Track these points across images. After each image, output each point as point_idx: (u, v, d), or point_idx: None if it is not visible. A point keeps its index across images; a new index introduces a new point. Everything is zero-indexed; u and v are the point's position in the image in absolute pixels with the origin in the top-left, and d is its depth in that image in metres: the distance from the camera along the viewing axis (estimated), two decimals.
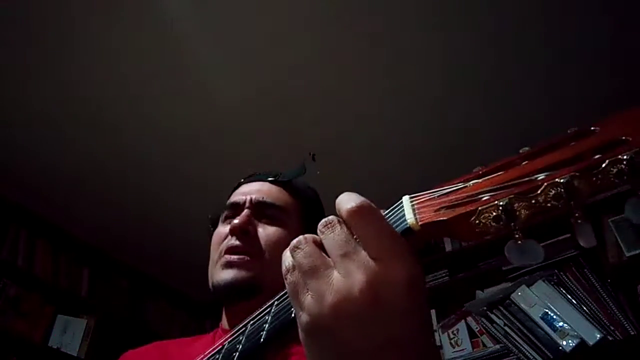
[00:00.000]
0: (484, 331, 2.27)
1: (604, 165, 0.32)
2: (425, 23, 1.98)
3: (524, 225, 0.34)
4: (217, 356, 0.51)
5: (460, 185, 0.39)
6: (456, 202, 0.37)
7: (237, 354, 0.47)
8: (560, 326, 2.04)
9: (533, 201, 0.33)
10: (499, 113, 2.31)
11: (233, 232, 0.82)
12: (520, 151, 0.39)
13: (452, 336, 2.36)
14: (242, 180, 0.96)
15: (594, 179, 0.32)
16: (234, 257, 0.80)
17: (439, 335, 2.39)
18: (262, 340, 0.45)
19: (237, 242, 0.81)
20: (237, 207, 0.87)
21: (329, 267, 0.36)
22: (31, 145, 2.41)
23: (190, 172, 2.50)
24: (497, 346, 2.19)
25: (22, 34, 1.96)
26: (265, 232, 0.83)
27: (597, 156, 0.33)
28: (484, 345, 2.26)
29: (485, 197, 0.36)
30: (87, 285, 2.83)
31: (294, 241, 0.39)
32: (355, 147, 2.47)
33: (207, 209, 0.96)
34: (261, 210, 0.86)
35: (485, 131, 2.36)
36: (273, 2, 1.91)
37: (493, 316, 2.22)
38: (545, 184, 0.33)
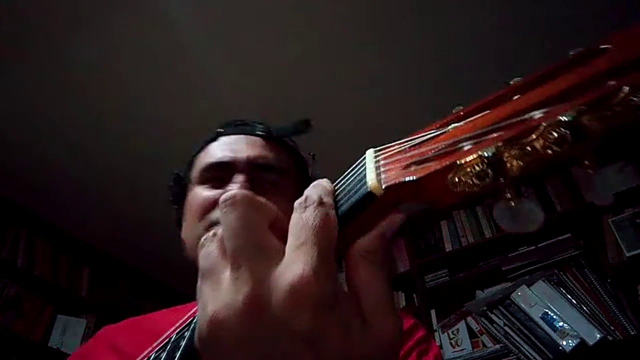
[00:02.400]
0: (484, 331, 2.27)
1: (622, 93, 0.24)
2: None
3: (516, 180, 0.27)
4: (162, 354, 0.43)
5: (436, 133, 0.32)
6: (429, 155, 0.29)
7: (180, 352, 0.39)
8: (560, 326, 2.04)
9: (528, 148, 0.26)
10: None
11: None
12: (512, 82, 0.31)
13: (452, 336, 2.36)
14: (221, 130, 0.77)
15: (609, 112, 0.24)
16: None
17: (439, 335, 2.39)
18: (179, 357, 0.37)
19: None
20: (226, 168, 0.69)
21: (225, 269, 0.28)
22: (31, 146, 2.41)
23: None
24: (497, 346, 2.19)
25: (22, 33, 1.96)
26: None
27: (612, 82, 0.25)
28: (484, 345, 2.26)
29: (466, 147, 0.28)
30: (87, 285, 2.84)
31: (202, 237, 0.31)
32: (355, 144, 2.47)
33: None
34: (257, 173, 0.69)
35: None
36: (273, 3, 1.92)
37: (493, 316, 2.22)
38: (544, 124, 0.25)
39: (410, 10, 1.95)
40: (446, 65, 2.13)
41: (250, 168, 0.69)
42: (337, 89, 2.24)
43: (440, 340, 2.37)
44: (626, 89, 0.24)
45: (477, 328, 2.32)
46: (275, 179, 0.70)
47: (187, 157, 0.89)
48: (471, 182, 0.27)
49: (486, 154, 0.26)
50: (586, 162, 0.25)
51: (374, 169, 0.31)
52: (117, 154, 2.44)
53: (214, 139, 0.76)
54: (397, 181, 0.29)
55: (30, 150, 2.44)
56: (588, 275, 2.13)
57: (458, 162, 0.27)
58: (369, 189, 0.30)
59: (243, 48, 2.06)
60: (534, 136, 0.25)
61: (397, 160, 0.31)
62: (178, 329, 0.43)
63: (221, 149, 0.73)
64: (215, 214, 0.67)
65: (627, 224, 2.11)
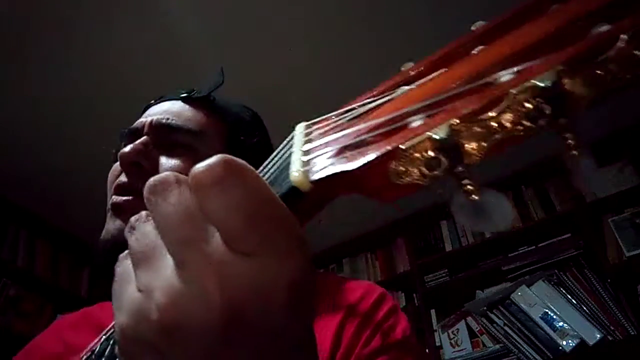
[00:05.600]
0: (484, 331, 2.27)
1: (620, 44, 0.17)
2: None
3: (474, 166, 0.20)
4: (98, 348, 0.38)
5: (379, 102, 0.24)
6: (368, 136, 0.22)
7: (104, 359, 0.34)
8: (560, 326, 2.04)
9: (493, 124, 0.19)
10: None
11: (122, 165, 0.61)
12: (472, 28, 0.24)
13: (452, 336, 2.36)
14: (152, 101, 0.72)
15: (601, 72, 0.17)
16: (121, 199, 0.59)
17: (439, 335, 2.39)
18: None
19: (125, 180, 0.60)
20: (136, 134, 0.65)
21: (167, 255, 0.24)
22: (31, 145, 2.41)
23: None
24: (497, 346, 2.19)
25: (22, 33, 1.96)
26: (168, 164, 0.61)
27: (603, 28, 0.18)
28: (484, 345, 2.26)
29: (416, 122, 0.21)
30: (87, 285, 2.84)
31: (132, 219, 0.26)
32: None
33: None
34: (166, 136, 0.64)
35: None
36: (273, 2, 1.92)
37: (493, 316, 2.22)
38: (513, 91, 0.18)
39: (411, 9, 1.95)
40: None
41: (155, 130, 0.64)
42: (337, 90, 2.24)
43: (440, 340, 2.37)
44: (624, 37, 0.17)
45: (477, 328, 2.32)
46: (187, 140, 0.63)
47: None
48: (419, 173, 0.20)
49: (437, 136, 0.20)
50: (569, 140, 0.18)
51: (301, 154, 0.24)
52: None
53: (143, 112, 0.71)
54: (328, 173, 0.22)
55: (31, 150, 2.44)
56: (588, 275, 2.13)
57: (402, 147, 0.20)
58: (292, 184, 0.23)
59: (243, 48, 2.06)
60: (500, 108, 0.19)
61: (331, 141, 0.24)
62: (102, 339, 0.38)
63: (139, 117, 0.69)
64: (115, 182, 0.62)
65: (627, 224, 2.11)
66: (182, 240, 0.23)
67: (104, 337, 0.39)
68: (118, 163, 0.62)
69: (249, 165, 0.24)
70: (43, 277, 2.61)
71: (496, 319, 2.21)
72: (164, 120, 0.64)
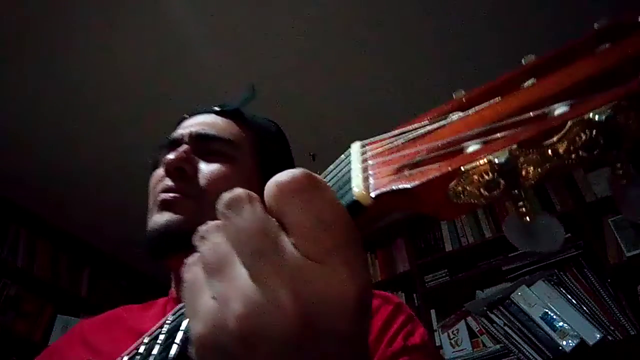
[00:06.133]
0: (484, 331, 2.27)
1: None
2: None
3: (531, 190, 0.22)
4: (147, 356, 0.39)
5: (434, 125, 0.26)
6: (427, 156, 0.24)
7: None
8: (560, 326, 2.04)
9: (549, 152, 0.20)
10: None
11: (167, 171, 0.67)
12: (523, 62, 0.25)
13: (452, 336, 2.36)
14: (186, 115, 0.81)
15: None
16: (169, 195, 0.66)
17: (439, 335, 2.39)
18: (173, 356, 0.33)
19: (171, 184, 0.67)
20: (177, 144, 0.72)
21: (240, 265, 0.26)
22: (31, 145, 2.41)
23: None
24: (497, 346, 2.19)
25: (22, 33, 1.96)
26: (208, 169, 0.68)
27: None
28: (484, 345, 2.26)
29: (472, 147, 0.23)
30: (87, 285, 2.84)
31: (202, 228, 0.28)
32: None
33: None
34: (204, 145, 0.71)
35: None
36: (273, 3, 1.92)
37: (493, 316, 2.22)
38: (570, 122, 0.20)
39: (411, 9, 1.95)
40: (447, 64, 2.13)
41: (194, 140, 0.72)
42: (338, 88, 2.24)
43: (440, 340, 2.37)
44: None
45: (477, 328, 2.32)
46: (223, 149, 0.71)
47: None
48: (478, 193, 0.22)
49: (498, 160, 0.21)
50: (619, 170, 0.20)
51: (360, 171, 0.26)
52: (117, 154, 2.44)
53: (179, 124, 0.79)
54: (388, 189, 0.24)
55: (31, 150, 2.44)
56: (588, 275, 2.13)
57: (463, 169, 0.22)
58: (354, 197, 0.25)
59: (243, 48, 2.06)
60: (556, 137, 0.20)
61: (388, 160, 0.26)
62: (145, 340, 0.39)
63: (177, 130, 0.76)
64: (160, 185, 0.69)
65: (627, 224, 2.10)
66: (255, 252, 0.25)
67: (146, 338, 0.40)
68: (161, 169, 0.70)
69: (325, 181, 0.26)
70: (43, 277, 2.61)
71: (496, 319, 2.21)
72: (201, 131, 0.72)
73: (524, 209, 0.22)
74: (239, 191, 0.27)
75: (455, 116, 0.26)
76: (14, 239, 2.57)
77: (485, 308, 2.25)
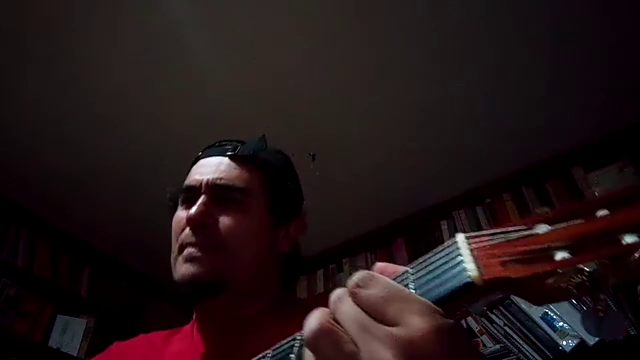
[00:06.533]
0: (484, 331, 2.27)
1: (636, 254, 0.27)
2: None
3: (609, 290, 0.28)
4: None
5: (527, 232, 0.33)
6: (527, 257, 0.31)
7: None
8: (560, 326, 2.05)
9: (624, 269, 0.27)
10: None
11: (189, 224, 0.77)
12: (596, 194, 0.31)
13: None
14: (200, 153, 0.89)
15: None
16: (193, 250, 0.75)
17: None
18: None
19: (194, 238, 0.76)
20: (194, 190, 0.81)
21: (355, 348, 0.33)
22: (31, 145, 2.41)
23: None
24: (497, 346, 2.19)
25: (22, 33, 1.96)
26: (226, 220, 0.77)
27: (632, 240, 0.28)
28: (484, 345, 2.25)
29: (564, 256, 0.29)
30: (87, 285, 2.84)
31: (314, 328, 0.34)
32: (354, 145, 2.47)
33: None
34: (220, 194, 0.79)
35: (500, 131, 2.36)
36: (273, 3, 1.92)
37: (493, 316, 2.22)
38: (638, 255, 0.27)
39: (411, 9, 1.95)
40: (447, 64, 2.13)
41: (212, 189, 0.80)
42: (338, 89, 2.24)
43: None
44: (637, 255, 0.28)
45: (477, 328, 2.31)
46: (239, 197, 0.80)
47: (188, 158, 0.92)
48: (568, 290, 0.29)
49: (588, 269, 0.28)
50: (600, 297, 0.29)
51: (471, 258, 0.33)
52: (117, 154, 2.44)
53: (195, 162, 0.88)
54: (498, 276, 0.31)
55: (30, 150, 2.44)
56: None
57: (560, 270, 0.29)
58: (471, 279, 0.32)
59: (243, 48, 2.06)
60: (630, 260, 0.27)
61: (492, 254, 0.33)
62: None
63: (194, 172, 0.85)
64: (184, 236, 0.78)
65: None
66: (359, 328, 0.33)
67: None
68: (183, 213, 0.80)
69: (378, 275, 0.36)
70: (43, 277, 2.61)
71: (496, 319, 2.21)
72: (218, 182, 0.80)
73: (600, 306, 0.29)
74: (338, 292, 0.36)
75: (544, 228, 0.33)
76: (14, 239, 2.57)
77: (485, 308, 2.25)
